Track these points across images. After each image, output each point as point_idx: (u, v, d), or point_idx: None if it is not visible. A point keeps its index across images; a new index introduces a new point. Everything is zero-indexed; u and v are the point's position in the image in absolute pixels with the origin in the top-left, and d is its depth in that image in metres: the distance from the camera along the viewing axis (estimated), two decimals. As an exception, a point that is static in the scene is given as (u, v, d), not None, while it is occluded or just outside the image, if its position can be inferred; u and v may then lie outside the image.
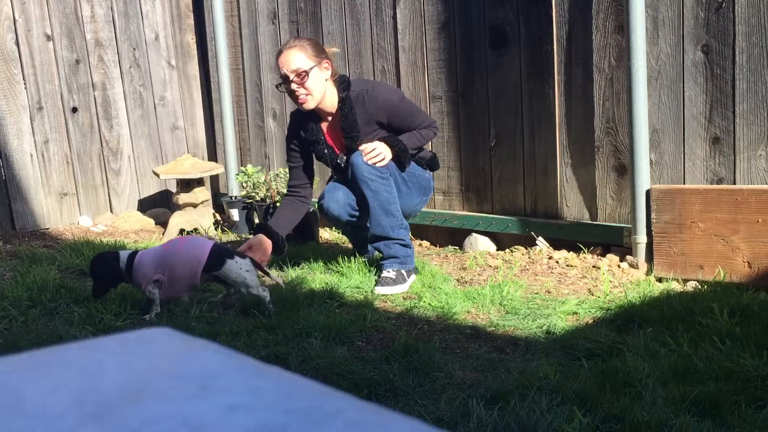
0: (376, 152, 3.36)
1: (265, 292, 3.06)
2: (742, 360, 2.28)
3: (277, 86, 3.57)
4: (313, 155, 3.64)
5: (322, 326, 2.76)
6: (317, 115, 3.54)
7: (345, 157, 3.51)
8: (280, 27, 4.85)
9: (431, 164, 3.66)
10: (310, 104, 3.42)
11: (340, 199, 3.50)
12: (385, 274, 3.35)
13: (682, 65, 3.26)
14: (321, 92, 3.40)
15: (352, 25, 4.46)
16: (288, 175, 3.81)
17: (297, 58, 3.36)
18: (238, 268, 3.04)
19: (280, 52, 3.44)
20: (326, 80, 3.41)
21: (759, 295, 2.88)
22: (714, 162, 3.24)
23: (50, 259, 3.86)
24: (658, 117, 3.35)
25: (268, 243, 3.46)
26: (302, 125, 3.58)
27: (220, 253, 3.06)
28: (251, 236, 4.01)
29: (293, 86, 3.38)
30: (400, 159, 3.42)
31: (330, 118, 3.55)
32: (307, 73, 3.35)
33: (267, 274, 3.24)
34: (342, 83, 3.46)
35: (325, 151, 3.56)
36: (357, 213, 3.53)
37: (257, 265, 3.14)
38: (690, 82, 3.25)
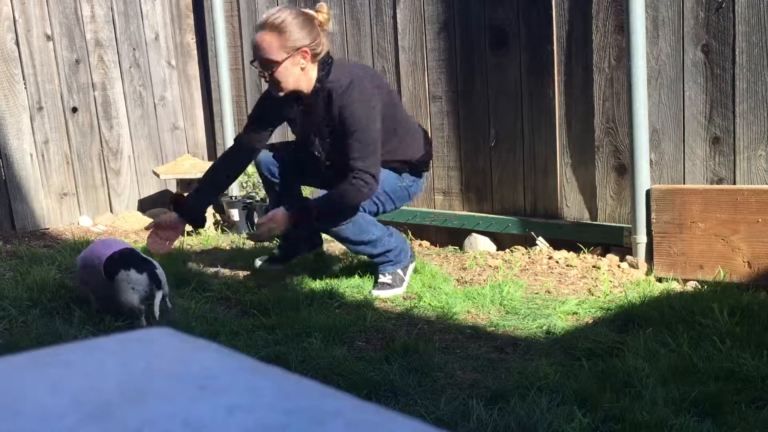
0: (264, 228, 3.04)
1: (140, 317, 2.81)
2: (742, 360, 2.28)
3: (251, 62, 3.18)
4: (284, 122, 3.42)
5: (322, 326, 2.76)
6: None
7: (320, 147, 3.20)
8: (280, 27, 4.84)
9: (413, 168, 3.34)
10: (276, 93, 3.11)
11: (270, 160, 3.37)
12: (381, 279, 3.31)
13: (682, 65, 3.26)
14: (291, 82, 3.05)
15: (352, 25, 4.45)
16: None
17: (268, 47, 2.98)
18: (126, 282, 2.78)
19: (257, 27, 3.04)
20: (302, 69, 3.03)
21: (759, 295, 2.88)
22: (714, 162, 3.24)
23: (50, 259, 3.85)
24: (658, 117, 3.35)
25: (175, 223, 3.21)
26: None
27: (117, 262, 2.83)
28: (249, 236, 3.97)
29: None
30: (304, 222, 3.15)
31: (306, 101, 3.18)
32: (277, 65, 2.99)
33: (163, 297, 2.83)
34: (323, 69, 3.07)
35: (299, 132, 3.31)
36: (276, 180, 3.42)
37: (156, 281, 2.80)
38: (690, 82, 3.25)
